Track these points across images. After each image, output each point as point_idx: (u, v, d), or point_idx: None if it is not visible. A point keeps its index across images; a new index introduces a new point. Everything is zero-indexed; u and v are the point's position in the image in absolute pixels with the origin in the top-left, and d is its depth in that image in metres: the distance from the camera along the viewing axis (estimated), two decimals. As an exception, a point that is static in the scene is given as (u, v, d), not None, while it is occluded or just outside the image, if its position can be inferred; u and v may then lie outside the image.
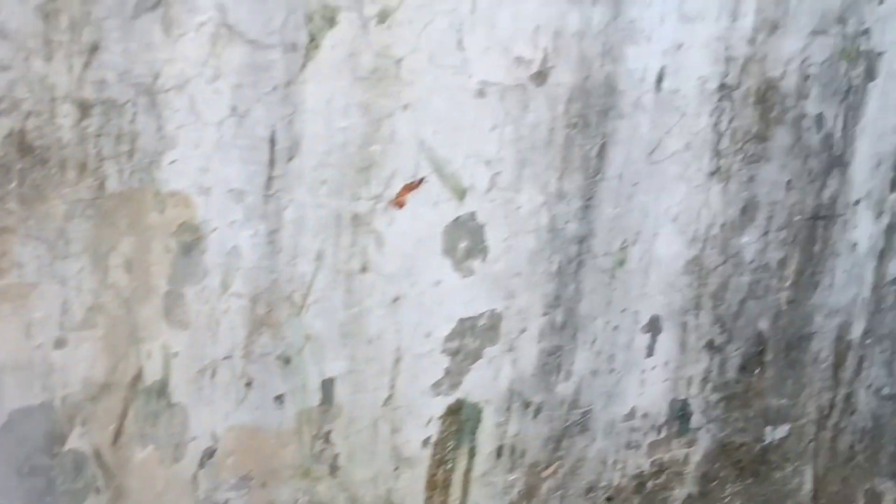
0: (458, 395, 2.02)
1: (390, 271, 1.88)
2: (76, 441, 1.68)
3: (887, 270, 2.50)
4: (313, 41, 1.68)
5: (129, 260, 1.66)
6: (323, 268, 1.82)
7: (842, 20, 2.18)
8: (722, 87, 2.10)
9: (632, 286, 2.15)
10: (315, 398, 1.89)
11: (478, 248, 1.95)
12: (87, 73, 1.54)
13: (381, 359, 1.93)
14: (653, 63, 2.01)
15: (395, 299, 1.90)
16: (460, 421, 2.04)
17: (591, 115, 1.98)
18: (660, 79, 2.02)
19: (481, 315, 2.00)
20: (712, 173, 2.16)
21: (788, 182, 2.27)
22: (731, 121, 2.14)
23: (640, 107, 2.02)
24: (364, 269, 1.86)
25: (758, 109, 2.16)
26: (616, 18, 1.93)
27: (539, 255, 2.02)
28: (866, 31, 2.23)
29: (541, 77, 1.90)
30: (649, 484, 2.32)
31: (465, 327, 1.99)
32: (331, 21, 1.68)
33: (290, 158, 1.73)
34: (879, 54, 2.27)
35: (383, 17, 1.71)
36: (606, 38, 1.93)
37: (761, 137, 2.19)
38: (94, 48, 1.54)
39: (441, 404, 2.01)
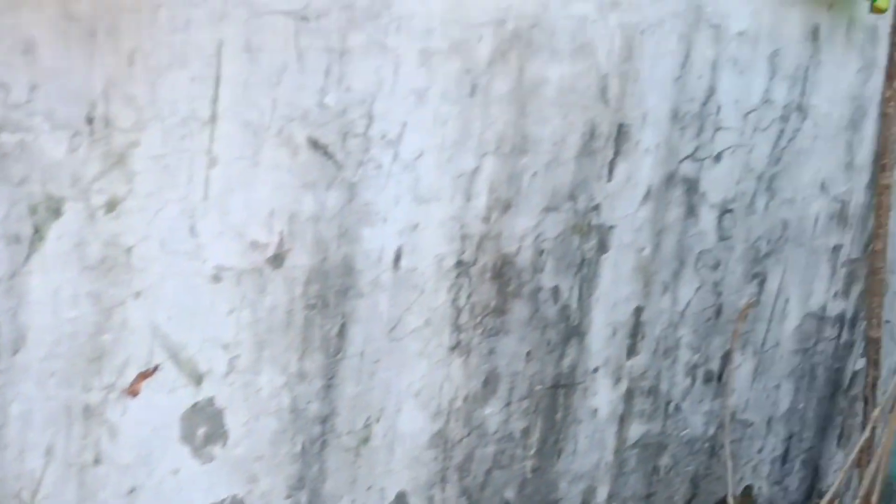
0: (199, 585, 1.97)
1: (125, 462, 1.84)
2: None
3: (628, 434, 2.58)
4: (38, 232, 1.65)
5: None
6: (53, 462, 1.76)
7: (573, 197, 2.29)
8: (459, 263, 2.16)
9: (377, 463, 2.15)
10: None
11: (217, 432, 1.93)
12: None
13: (118, 552, 1.87)
14: (390, 243, 2.05)
15: (132, 490, 1.85)
16: None
17: (330, 295, 2.00)
18: (397, 258, 2.06)
19: (222, 501, 1.97)
20: (453, 348, 2.21)
21: (528, 353, 2.33)
22: (469, 296, 2.19)
23: (378, 286, 2.06)
24: (97, 462, 1.81)
25: (495, 284, 2.23)
26: (351, 201, 1.97)
27: (281, 437, 2.01)
28: (596, 207, 2.34)
29: (277, 260, 1.91)
30: None
31: (206, 515, 1.95)
32: (56, 212, 1.66)
33: (16, 351, 1.68)
34: (610, 228, 2.38)
35: (111, 206, 1.70)
36: (342, 221, 1.97)
37: (500, 311, 2.26)
38: None
39: None
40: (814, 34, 2.57)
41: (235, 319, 1.90)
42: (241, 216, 1.86)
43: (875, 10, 2.61)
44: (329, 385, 2.05)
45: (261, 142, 1.83)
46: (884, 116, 2.83)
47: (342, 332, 2.04)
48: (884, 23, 2.73)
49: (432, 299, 2.15)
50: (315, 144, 1.89)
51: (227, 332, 1.90)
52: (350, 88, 1.90)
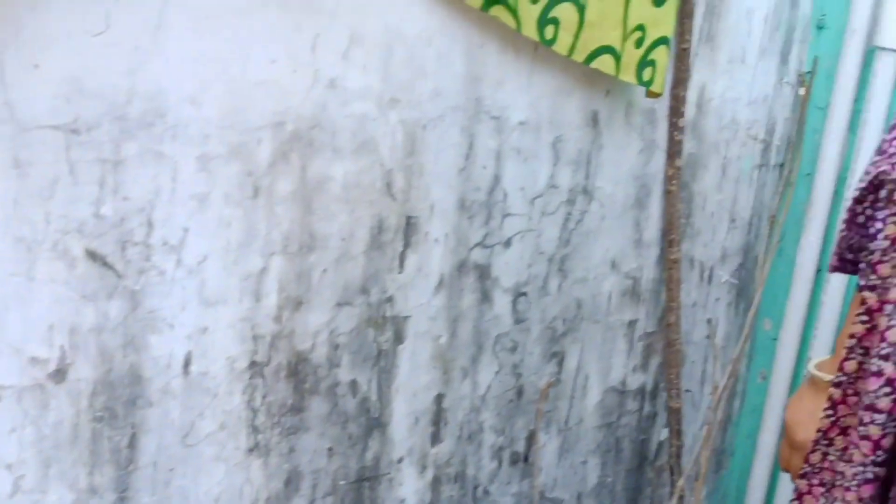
0: None
1: None
2: None
3: (436, 522, 2.61)
4: None
5: None
6: None
7: (365, 291, 2.31)
8: (252, 364, 2.16)
9: (176, 574, 2.12)
10: None
11: (4, 556, 1.88)
12: None
13: None
14: (178, 349, 2.04)
15: None
16: None
17: (118, 406, 1.97)
18: (187, 363, 2.05)
19: None
20: (251, 450, 2.20)
21: (329, 449, 2.34)
22: (264, 396, 2.19)
23: (168, 393, 2.04)
24: None
25: (291, 382, 2.23)
26: (135, 310, 1.95)
27: (73, 555, 1.97)
28: (390, 299, 2.36)
29: (59, 375, 1.88)
30: None
31: None
32: None
33: None
34: (405, 318, 2.41)
35: None
36: (127, 330, 1.95)
37: (297, 409, 2.26)
38: None
39: None
40: (594, 120, 2.66)
41: (18, 438, 1.86)
42: (18, 333, 1.82)
43: (650, 94, 2.73)
44: (122, 498, 2.02)
45: (35, 256, 1.81)
46: (667, 194, 2.94)
47: (133, 443, 2.01)
48: (661, 105, 2.84)
49: (226, 402, 2.14)
50: (93, 255, 1.88)
51: (10, 452, 1.86)
52: (127, 197, 1.90)
